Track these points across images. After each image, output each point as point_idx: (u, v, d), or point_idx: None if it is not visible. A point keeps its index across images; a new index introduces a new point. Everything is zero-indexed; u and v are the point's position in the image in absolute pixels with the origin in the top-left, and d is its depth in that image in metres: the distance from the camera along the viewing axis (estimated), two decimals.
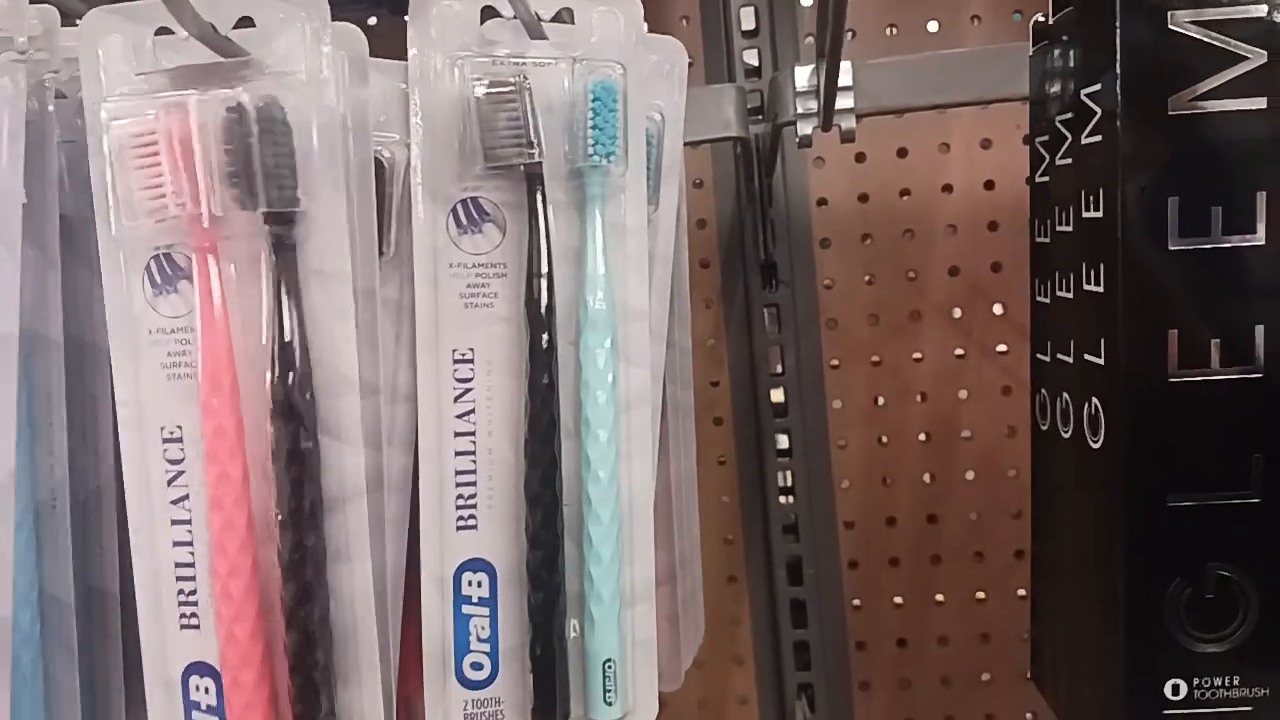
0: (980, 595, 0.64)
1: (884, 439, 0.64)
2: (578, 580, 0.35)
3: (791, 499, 0.64)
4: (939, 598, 0.65)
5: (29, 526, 0.34)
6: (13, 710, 0.35)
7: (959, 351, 0.64)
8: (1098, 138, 0.30)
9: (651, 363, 0.36)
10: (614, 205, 0.36)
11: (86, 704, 0.34)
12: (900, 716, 0.65)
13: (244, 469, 0.30)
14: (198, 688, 0.32)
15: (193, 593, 0.32)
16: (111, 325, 0.32)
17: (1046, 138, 0.35)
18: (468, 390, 0.35)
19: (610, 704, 0.34)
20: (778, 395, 0.63)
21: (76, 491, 0.34)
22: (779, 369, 0.63)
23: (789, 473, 0.63)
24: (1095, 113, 0.30)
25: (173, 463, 0.32)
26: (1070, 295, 0.33)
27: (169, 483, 0.32)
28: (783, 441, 0.64)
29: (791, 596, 0.63)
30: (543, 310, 0.35)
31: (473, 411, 0.35)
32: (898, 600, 0.65)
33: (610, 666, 0.35)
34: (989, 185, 0.63)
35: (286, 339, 0.30)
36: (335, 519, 0.31)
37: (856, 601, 0.65)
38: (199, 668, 0.32)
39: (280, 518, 0.30)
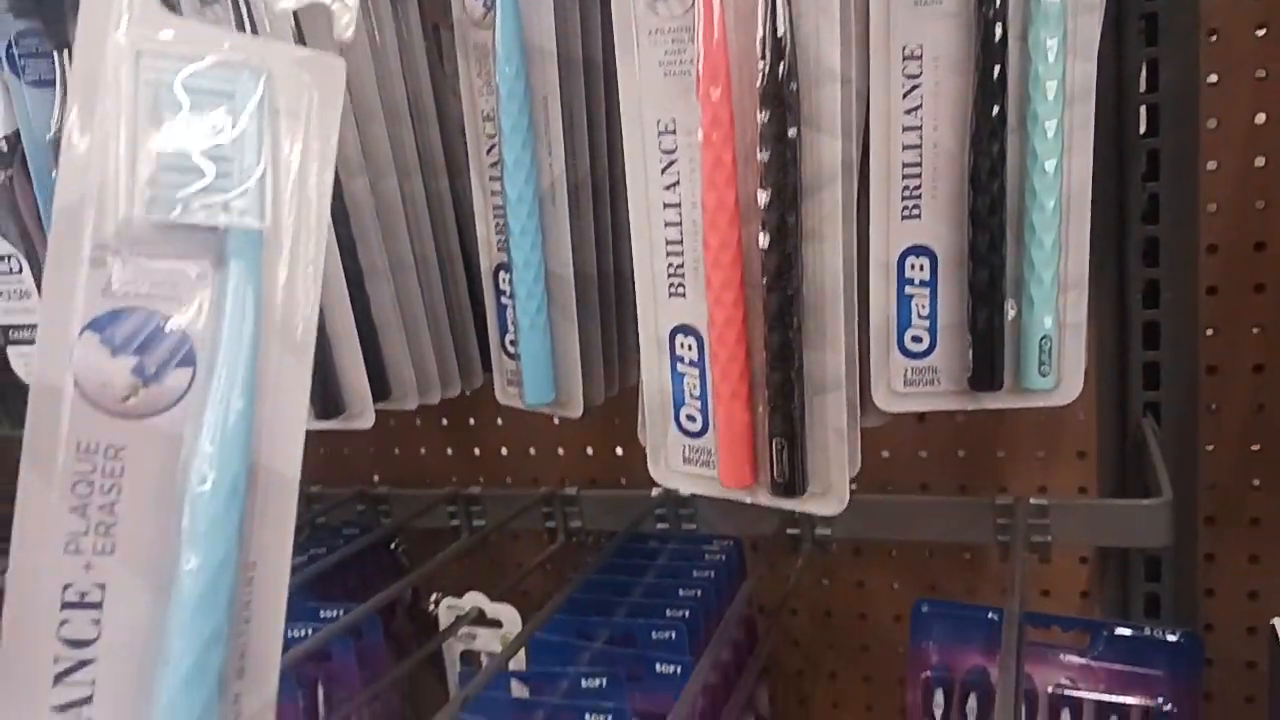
0: None
1: (1262, 160, 0.61)
2: (1014, 267, 0.38)
3: (1153, 226, 0.62)
4: None
5: (536, 215, 0.41)
6: (530, 364, 0.43)
7: None
8: None
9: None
10: None
11: (594, 359, 0.41)
12: (1248, 441, 0.65)
13: (734, 154, 0.34)
14: (682, 344, 0.38)
15: (680, 266, 0.38)
16: (616, 27, 0.36)
17: None
18: (915, 86, 0.37)
19: (1045, 375, 0.38)
20: (1146, 114, 0.61)
21: (580, 185, 0.40)
22: (1150, 86, 0.61)
23: (1152, 195, 0.62)
24: None
25: (666, 152, 0.36)
26: None
27: (662, 170, 0.37)
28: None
29: (1145, 319, 0.63)
30: (996, 3, 0.35)
31: (920, 107, 0.37)
32: (1256, 330, 0.64)
33: (1046, 343, 0.38)
34: None
35: (777, 33, 0.33)
36: (811, 202, 0.35)
37: (1210, 330, 0.64)
38: (683, 329, 0.38)
39: (765, 199, 0.34)
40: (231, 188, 0.24)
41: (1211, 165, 0.62)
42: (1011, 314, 0.38)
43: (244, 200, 0.24)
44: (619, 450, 0.77)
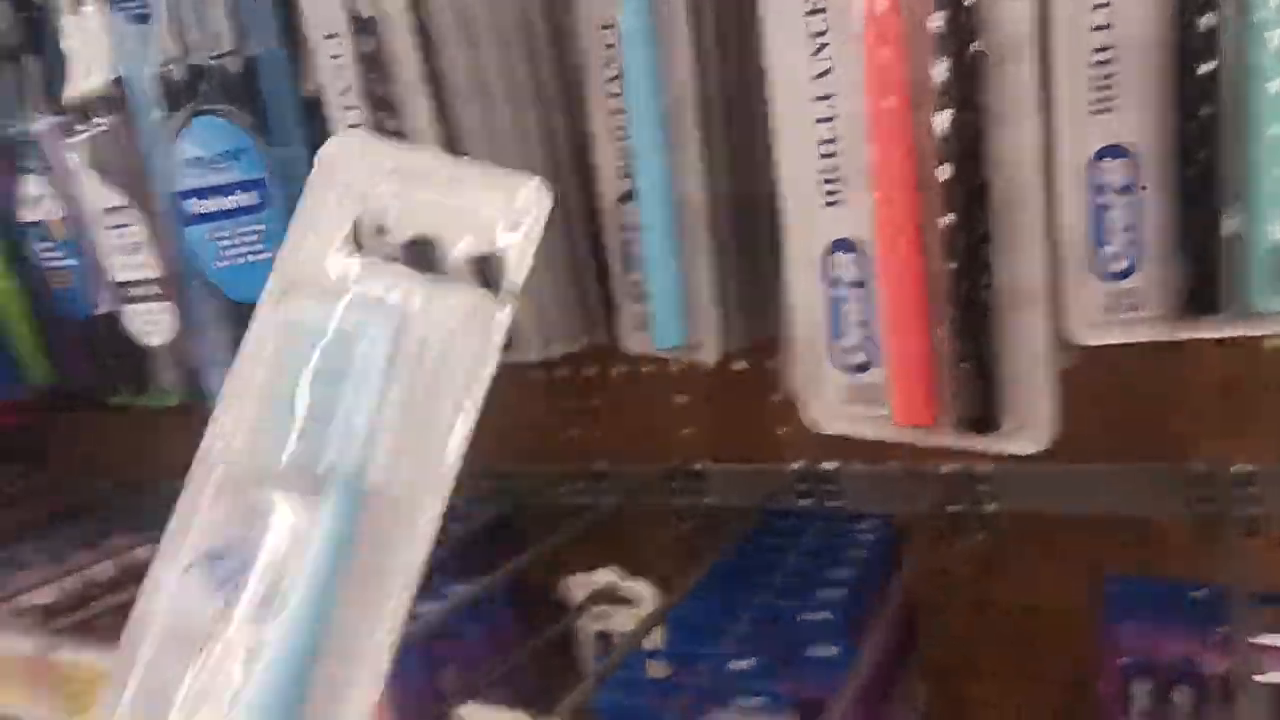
0: None
1: None
2: (1232, 165, 0.32)
3: None
4: None
5: (663, 131, 0.36)
6: (660, 302, 0.38)
7: None
8: None
9: None
10: None
11: (729, 298, 0.36)
12: None
13: (902, 26, 0.29)
14: (839, 264, 0.33)
15: (836, 169, 0.33)
16: None
17: None
18: None
19: (1278, 293, 0.31)
20: None
21: (711, 94, 0.35)
22: None
23: None
24: None
25: (816, 35, 0.32)
26: None
27: (812, 55, 0.32)
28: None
29: None
30: None
31: None
32: None
33: (1276, 255, 0.31)
34: None
35: None
36: (997, 76, 0.30)
37: None
38: (841, 244, 0.33)
39: (944, 72, 0.29)
40: (334, 436, 0.23)
41: None
42: (1233, 223, 0.32)
43: (347, 456, 0.23)
44: (745, 424, 0.72)
